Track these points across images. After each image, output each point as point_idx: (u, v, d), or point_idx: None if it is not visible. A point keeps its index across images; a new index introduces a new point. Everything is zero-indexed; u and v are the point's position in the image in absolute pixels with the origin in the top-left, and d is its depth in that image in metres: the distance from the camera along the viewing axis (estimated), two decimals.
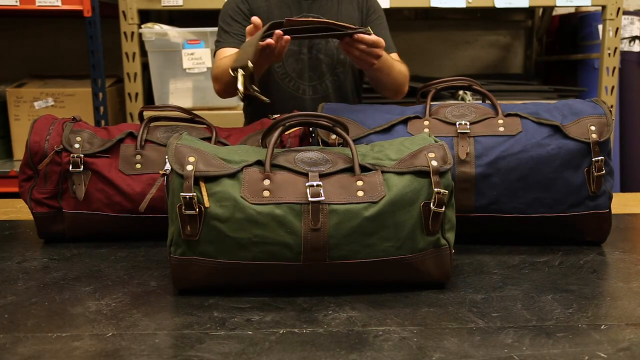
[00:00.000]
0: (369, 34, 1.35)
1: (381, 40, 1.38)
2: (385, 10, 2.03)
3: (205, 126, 1.32)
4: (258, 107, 1.86)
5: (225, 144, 1.26)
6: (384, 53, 1.45)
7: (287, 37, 1.26)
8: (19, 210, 1.56)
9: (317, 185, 0.93)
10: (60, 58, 3.15)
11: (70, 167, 1.22)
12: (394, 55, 1.79)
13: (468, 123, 1.20)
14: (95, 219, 1.25)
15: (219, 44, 1.75)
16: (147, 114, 1.31)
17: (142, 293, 0.99)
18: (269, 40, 1.23)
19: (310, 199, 0.92)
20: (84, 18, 2.43)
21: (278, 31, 1.24)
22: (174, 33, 2.43)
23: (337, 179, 0.96)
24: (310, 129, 1.28)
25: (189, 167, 0.94)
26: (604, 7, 2.56)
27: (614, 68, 2.60)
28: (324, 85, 1.82)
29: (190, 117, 1.32)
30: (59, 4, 2.40)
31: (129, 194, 1.23)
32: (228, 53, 1.69)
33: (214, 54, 1.79)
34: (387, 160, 0.99)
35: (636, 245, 1.26)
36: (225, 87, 1.68)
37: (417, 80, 2.66)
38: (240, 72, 1.17)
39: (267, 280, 0.97)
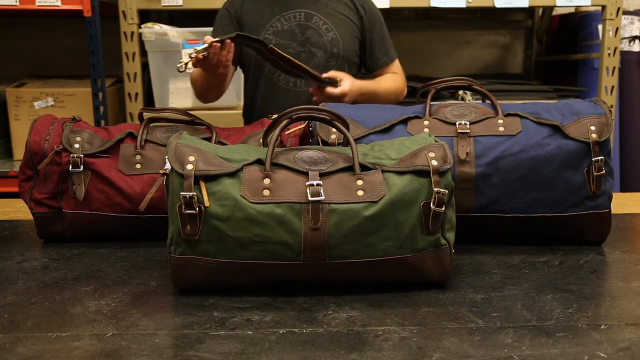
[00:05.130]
0: (335, 86, 1.59)
1: (345, 92, 1.62)
2: (385, 10, 2.04)
3: (205, 126, 1.32)
4: (256, 109, 1.88)
5: (225, 144, 1.26)
6: (349, 95, 1.65)
7: (223, 52, 1.40)
8: (19, 210, 1.56)
9: (317, 185, 0.93)
10: (60, 58, 3.15)
11: (70, 167, 1.22)
12: (394, 66, 1.88)
13: (468, 123, 1.20)
14: (95, 219, 1.25)
15: None
16: (146, 115, 1.31)
17: (142, 293, 0.99)
18: (198, 56, 1.36)
19: (310, 198, 0.92)
20: (84, 18, 2.43)
21: (216, 44, 1.37)
22: (173, 33, 2.44)
23: (337, 178, 0.96)
24: (310, 128, 1.28)
25: (189, 166, 0.94)
26: (604, 7, 2.56)
27: (614, 68, 2.60)
28: None
29: (190, 119, 1.32)
30: (59, 4, 2.40)
31: (128, 194, 1.23)
32: None
33: None
34: (387, 159, 0.99)
35: (636, 245, 1.26)
36: (200, 93, 1.84)
37: (417, 80, 2.66)
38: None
39: (267, 280, 0.97)
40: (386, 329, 0.85)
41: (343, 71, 1.83)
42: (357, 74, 1.94)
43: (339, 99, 1.60)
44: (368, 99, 1.75)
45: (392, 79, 1.89)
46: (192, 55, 1.30)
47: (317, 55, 1.82)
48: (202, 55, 1.31)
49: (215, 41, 1.32)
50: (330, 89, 1.60)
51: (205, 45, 1.30)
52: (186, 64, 1.30)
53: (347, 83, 1.64)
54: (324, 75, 1.59)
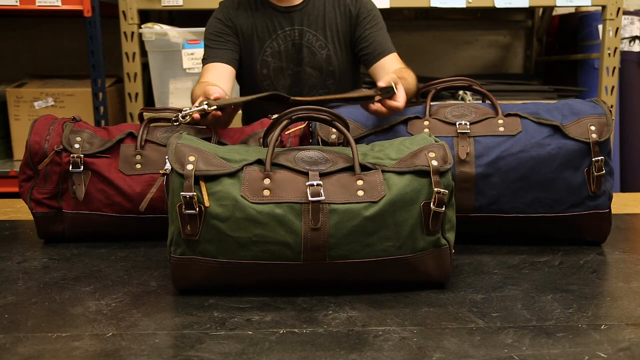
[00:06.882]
0: (392, 96, 1.22)
1: (400, 106, 1.24)
2: (385, 10, 2.03)
3: (205, 126, 1.32)
4: (256, 110, 1.87)
5: (225, 144, 1.26)
6: (402, 103, 1.25)
7: (217, 112, 1.19)
8: (19, 210, 1.56)
9: (318, 185, 0.93)
10: (60, 58, 3.14)
11: (70, 167, 1.22)
12: (393, 56, 1.75)
13: (468, 123, 1.20)
14: (95, 219, 1.25)
15: (205, 61, 1.73)
16: (146, 115, 1.31)
17: (142, 293, 0.99)
18: (195, 115, 1.17)
19: (310, 198, 0.92)
20: (84, 18, 2.43)
21: (210, 109, 1.18)
22: (174, 33, 2.43)
23: (337, 178, 0.96)
24: (310, 129, 1.28)
25: (189, 167, 0.94)
26: (604, 7, 2.56)
27: (614, 68, 2.60)
28: None
29: None
30: (59, 4, 2.40)
31: (129, 194, 1.23)
32: (213, 69, 1.68)
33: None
34: (387, 159, 0.99)
35: (636, 245, 1.26)
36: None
37: (417, 80, 2.65)
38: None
39: (267, 280, 0.97)
40: (386, 329, 0.85)
41: (341, 89, 1.80)
42: (356, 87, 1.92)
43: (393, 112, 1.26)
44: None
45: (408, 72, 1.63)
46: (189, 114, 1.15)
47: (313, 75, 1.80)
48: (200, 114, 1.16)
49: (217, 108, 1.16)
50: (394, 103, 1.23)
51: (203, 107, 1.15)
52: (183, 116, 1.16)
53: (401, 89, 1.26)
54: (380, 84, 1.24)
